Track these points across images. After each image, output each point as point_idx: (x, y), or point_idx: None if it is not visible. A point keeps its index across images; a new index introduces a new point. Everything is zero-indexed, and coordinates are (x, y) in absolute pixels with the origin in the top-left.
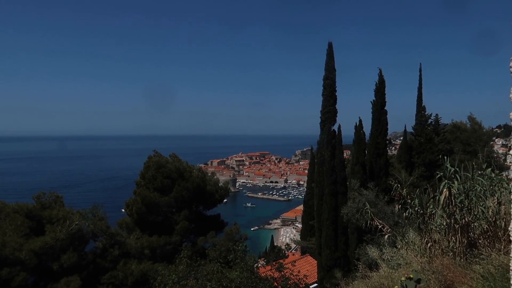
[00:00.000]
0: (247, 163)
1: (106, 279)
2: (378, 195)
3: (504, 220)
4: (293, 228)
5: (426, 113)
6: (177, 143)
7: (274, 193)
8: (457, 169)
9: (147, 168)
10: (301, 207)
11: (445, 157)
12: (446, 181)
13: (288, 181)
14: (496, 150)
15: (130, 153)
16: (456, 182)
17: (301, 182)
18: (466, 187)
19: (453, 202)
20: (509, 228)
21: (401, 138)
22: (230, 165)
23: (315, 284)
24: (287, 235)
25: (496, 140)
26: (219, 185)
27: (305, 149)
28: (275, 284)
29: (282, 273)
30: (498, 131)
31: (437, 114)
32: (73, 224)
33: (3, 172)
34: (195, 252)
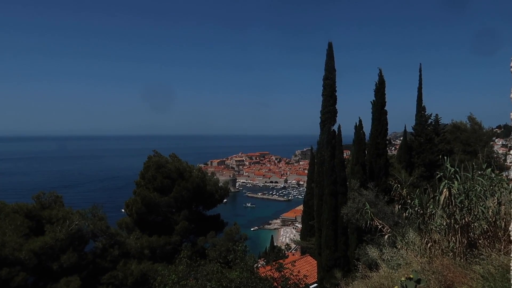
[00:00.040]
0: (247, 163)
1: (106, 279)
2: (378, 195)
3: (504, 220)
4: (293, 228)
5: (426, 113)
6: (177, 143)
7: (274, 193)
8: (457, 169)
9: (147, 168)
10: (301, 207)
11: (445, 157)
12: (446, 181)
13: (288, 181)
14: (496, 150)
15: (130, 153)
16: (456, 182)
17: (301, 182)
18: (466, 187)
19: (453, 202)
20: (509, 228)
21: (401, 138)
22: (230, 165)
23: (315, 284)
24: (287, 235)
25: (496, 140)
26: (219, 185)
27: (305, 149)
28: (275, 284)
29: (282, 273)
30: (498, 131)
31: (437, 114)
32: (72, 224)
33: (3, 172)
34: (195, 252)
